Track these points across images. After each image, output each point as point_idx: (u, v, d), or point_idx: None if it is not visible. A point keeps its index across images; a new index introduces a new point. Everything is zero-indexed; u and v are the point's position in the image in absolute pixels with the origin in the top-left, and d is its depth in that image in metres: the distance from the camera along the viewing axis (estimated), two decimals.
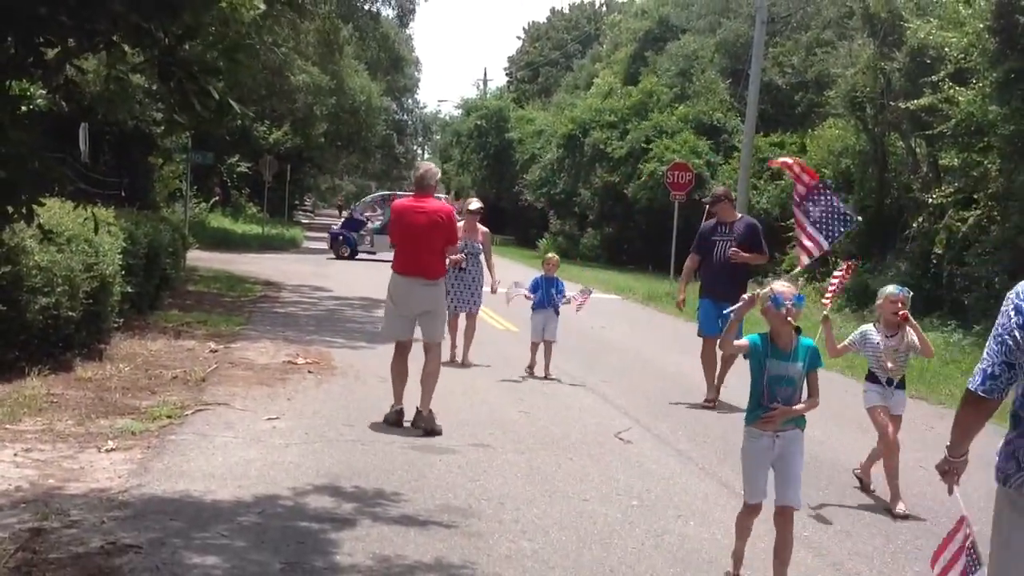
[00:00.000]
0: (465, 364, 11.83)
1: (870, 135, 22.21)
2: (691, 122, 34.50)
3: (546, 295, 11.65)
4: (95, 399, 8.70)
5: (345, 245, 31.54)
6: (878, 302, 7.29)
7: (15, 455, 6.82)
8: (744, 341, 5.43)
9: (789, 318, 5.20)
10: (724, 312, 6.83)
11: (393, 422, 8.51)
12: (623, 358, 13.71)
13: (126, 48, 4.55)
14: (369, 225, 32.82)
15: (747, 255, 10.47)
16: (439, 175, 9.16)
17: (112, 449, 7.16)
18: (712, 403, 10.39)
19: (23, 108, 4.70)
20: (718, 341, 5.38)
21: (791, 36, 34.60)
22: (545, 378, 11.34)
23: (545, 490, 6.92)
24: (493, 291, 12.20)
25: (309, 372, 10.81)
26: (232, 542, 5.42)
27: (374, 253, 31.59)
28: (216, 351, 11.74)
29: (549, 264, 11.97)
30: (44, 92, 7.99)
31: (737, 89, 34.09)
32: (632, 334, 16.36)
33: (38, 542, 5.17)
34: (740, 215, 11.02)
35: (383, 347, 12.48)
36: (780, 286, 5.32)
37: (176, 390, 9.38)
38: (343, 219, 32.92)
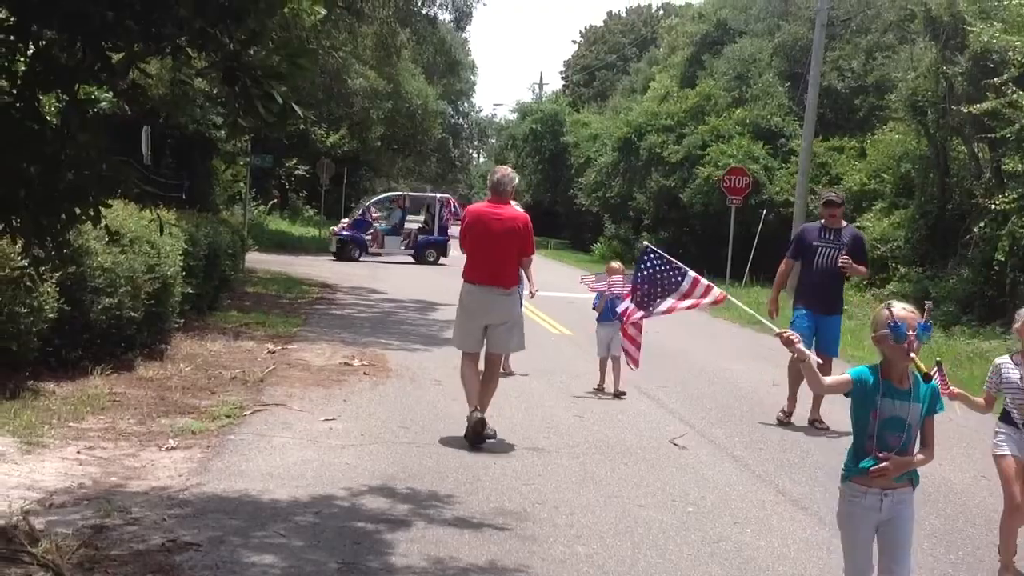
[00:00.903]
0: (505, 372, 10.69)
1: (931, 140, 21.84)
2: (748, 126, 34.16)
3: (610, 306, 10.61)
4: (156, 398, 8.85)
5: (354, 247, 30.57)
6: (1016, 325, 5.99)
7: (78, 452, 6.95)
8: (844, 377, 4.40)
9: (912, 354, 4.19)
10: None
11: (476, 427, 7.95)
12: (677, 363, 13.61)
13: (191, 52, 4.62)
14: (376, 226, 32.33)
15: (858, 267, 10.05)
16: (516, 180, 8.65)
17: (173, 448, 7.28)
18: (787, 416, 9.84)
19: (91, 112, 4.78)
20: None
21: (851, 40, 34.17)
22: (615, 395, 10.64)
23: (600, 495, 6.90)
24: (531, 296, 11.85)
25: (365, 374, 10.89)
26: (289, 541, 5.47)
27: (380, 255, 31.24)
28: (274, 352, 11.88)
29: (613, 272, 10.94)
30: (109, 95, 8.13)
31: (795, 93, 33.72)
32: (688, 339, 16.24)
33: (100, 538, 5.26)
34: (844, 223, 10.26)
35: (438, 350, 12.57)
36: (901, 310, 4.24)
37: (235, 390, 9.50)
38: (350, 221, 32.30)
